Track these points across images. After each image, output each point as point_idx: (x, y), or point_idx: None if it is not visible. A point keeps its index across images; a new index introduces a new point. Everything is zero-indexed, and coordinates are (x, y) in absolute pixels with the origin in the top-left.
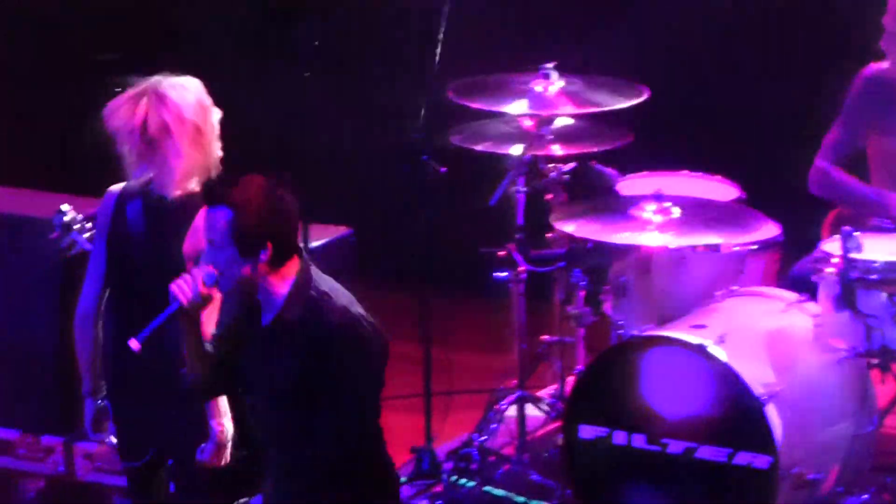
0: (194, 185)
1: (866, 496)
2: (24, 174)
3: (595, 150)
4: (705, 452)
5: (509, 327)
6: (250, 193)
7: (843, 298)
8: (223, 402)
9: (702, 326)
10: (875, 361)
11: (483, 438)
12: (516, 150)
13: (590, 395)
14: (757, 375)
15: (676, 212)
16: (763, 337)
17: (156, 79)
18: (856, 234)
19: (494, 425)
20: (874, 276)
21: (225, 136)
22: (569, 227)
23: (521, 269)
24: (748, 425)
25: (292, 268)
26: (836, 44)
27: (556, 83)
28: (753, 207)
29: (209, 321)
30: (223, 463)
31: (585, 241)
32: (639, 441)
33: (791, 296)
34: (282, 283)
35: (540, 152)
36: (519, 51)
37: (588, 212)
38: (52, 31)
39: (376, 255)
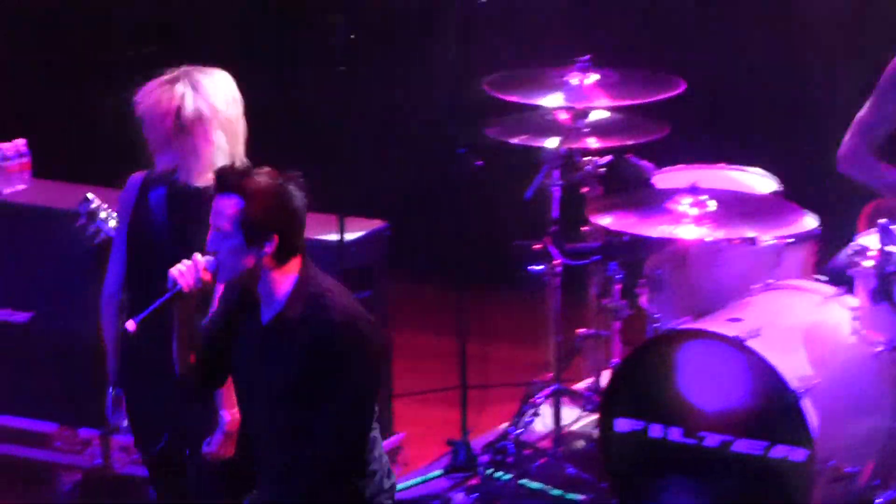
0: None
1: None
2: (61, 167)
3: (631, 142)
4: (741, 446)
5: (545, 321)
6: (262, 184)
7: (880, 291)
8: (232, 391)
9: (738, 320)
10: None
11: (519, 431)
12: (552, 143)
13: (626, 388)
14: (793, 369)
15: (713, 205)
16: (800, 330)
17: (186, 68)
18: (892, 227)
19: (530, 418)
20: None
21: (260, 129)
22: (605, 221)
23: (556, 262)
24: (784, 418)
25: (295, 265)
26: (877, 33)
27: (592, 76)
28: (790, 200)
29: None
30: (230, 454)
31: (621, 234)
32: (675, 434)
33: (828, 289)
34: (284, 280)
35: (575, 145)
36: (555, 44)
37: (624, 205)
38: (91, 26)
39: (412, 249)
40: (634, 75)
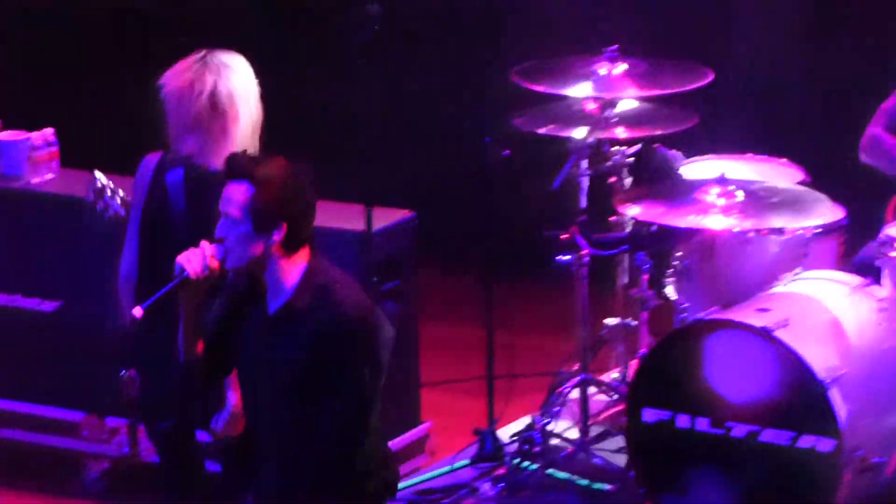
0: None
1: None
2: (89, 156)
3: (659, 132)
4: (769, 436)
5: (572, 310)
6: (272, 171)
7: None
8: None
9: (766, 310)
10: None
11: (546, 421)
12: (580, 133)
13: (653, 378)
14: (821, 359)
15: (740, 195)
16: (827, 321)
17: (210, 50)
18: None
19: (557, 408)
20: None
21: (287, 120)
22: (632, 211)
23: (584, 252)
24: (812, 409)
25: (304, 256)
26: None
27: (620, 66)
28: (818, 190)
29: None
30: (238, 433)
31: (649, 224)
32: (702, 425)
33: (855, 279)
34: (293, 270)
35: (603, 135)
36: (583, 33)
37: (652, 195)
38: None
39: (439, 239)
40: (663, 65)
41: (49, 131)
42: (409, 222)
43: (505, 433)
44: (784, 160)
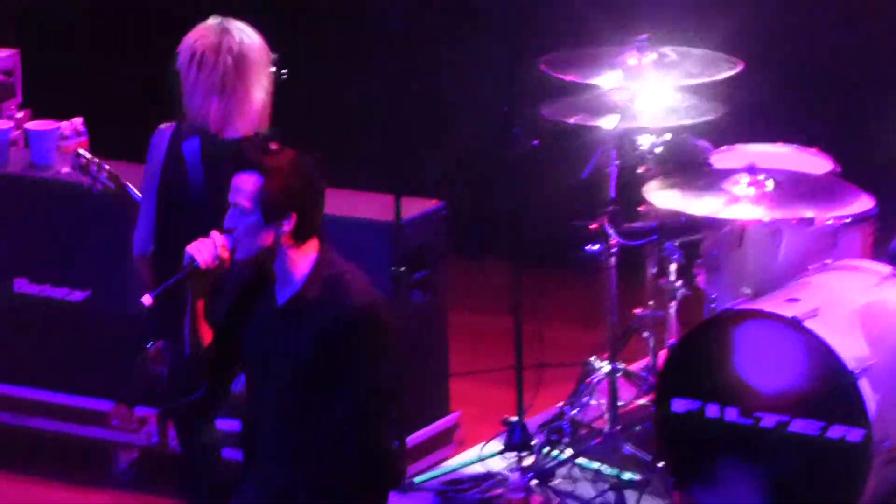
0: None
1: None
2: (118, 146)
3: (688, 122)
4: (798, 426)
5: (601, 301)
6: (281, 161)
7: None
8: None
9: (795, 300)
10: None
11: (575, 411)
12: (609, 122)
13: (683, 368)
14: (850, 349)
15: (770, 185)
16: (857, 310)
17: (225, 17)
18: None
19: (586, 398)
20: None
21: (316, 111)
22: (662, 201)
23: (613, 242)
24: (841, 399)
25: (314, 246)
26: None
27: (649, 55)
28: (848, 180)
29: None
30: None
31: (678, 214)
32: (732, 415)
33: (885, 269)
34: (303, 261)
35: (632, 125)
36: (612, 23)
37: (681, 185)
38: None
39: (468, 229)
40: (692, 55)
41: (78, 120)
42: (438, 212)
43: (534, 423)
44: (813, 149)
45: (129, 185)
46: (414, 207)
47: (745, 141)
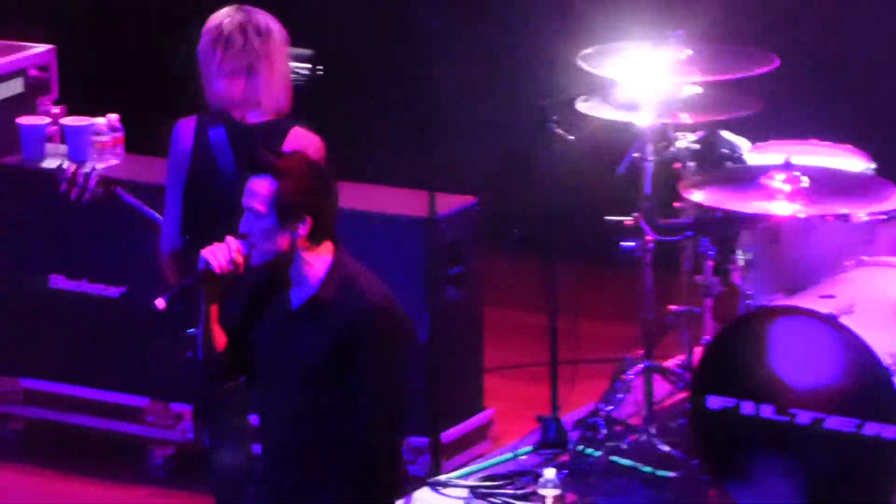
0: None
1: None
2: (155, 142)
3: (723, 118)
4: (833, 423)
5: (636, 297)
6: (295, 165)
7: None
8: None
9: (831, 296)
10: None
11: (609, 408)
12: (644, 118)
13: (718, 365)
14: (886, 345)
15: (805, 181)
16: (892, 307)
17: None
18: None
19: (621, 395)
20: None
21: (350, 106)
22: (697, 196)
23: (648, 238)
24: (877, 395)
25: (328, 249)
26: None
27: (685, 51)
28: (883, 177)
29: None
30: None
31: (714, 210)
32: (767, 411)
33: None
34: (317, 264)
35: (668, 121)
36: (648, 18)
37: (716, 181)
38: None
39: (502, 225)
40: (727, 50)
41: (114, 117)
42: (472, 208)
43: (568, 420)
44: (849, 146)
45: (122, 190)
46: (448, 203)
47: (780, 137)
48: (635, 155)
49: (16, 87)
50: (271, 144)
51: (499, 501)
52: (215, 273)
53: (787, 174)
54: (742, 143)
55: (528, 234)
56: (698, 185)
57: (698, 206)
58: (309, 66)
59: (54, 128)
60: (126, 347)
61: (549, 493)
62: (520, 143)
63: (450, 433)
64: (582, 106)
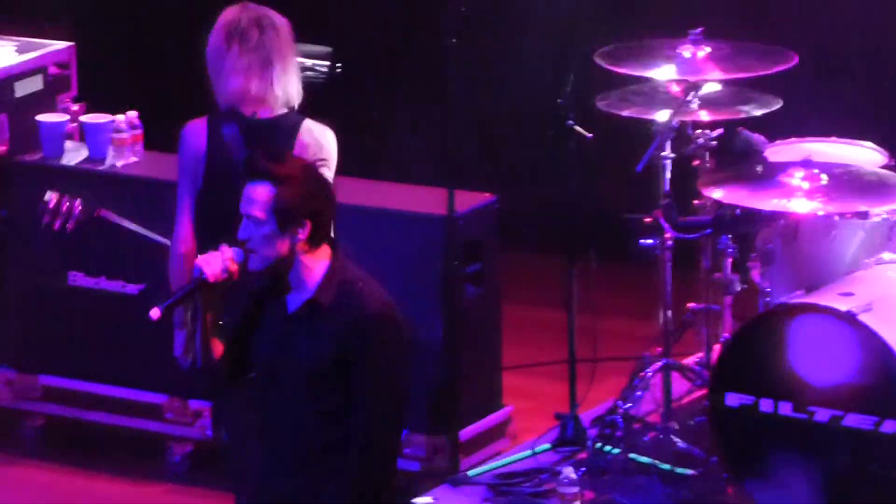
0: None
1: None
2: (173, 140)
3: (743, 115)
4: (852, 420)
5: (655, 294)
6: (293, 170)
7: None
8: None
9: (850, 294)
10: None
11: (628, 406)
12: (663, 115)
13: (736, 362)
14: None
15: (825, 178)
16: None
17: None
18: None
19: (639, 393)
20: None
21: (369, 102)
22: (716, 194)
23: (667, 235)
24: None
25: (326, 252)
26: None
27: (704, 48)
28: None
29: None
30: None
31: (733, 207)
32: (785, 409)
33: None
34: (315, 267)
35: (687, 118)
36: (667, 16)
37: (736, 178)
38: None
39: (521, 222)
40: (747, 48)
41: (133, 114)
42: (491, 206)
43: (587, 417)
44: (868, 143)
45: (107, 212)
46: (467, 201)
47: (800, 134)
48: (654, 152)
49: (36, 84)
50: (284, 139)
51: (517, 499)
52: (209, 281)
53: (807, 171)
54: (761, 141)
55: (546, 232)
56: (717, 183)
57: (717, 203)
58: (328, 63)
59: (74, 125)
60: (144, 344)
61: (568, 490)
62: (539, 140)
63: (468, 430)
64: (601, 103)
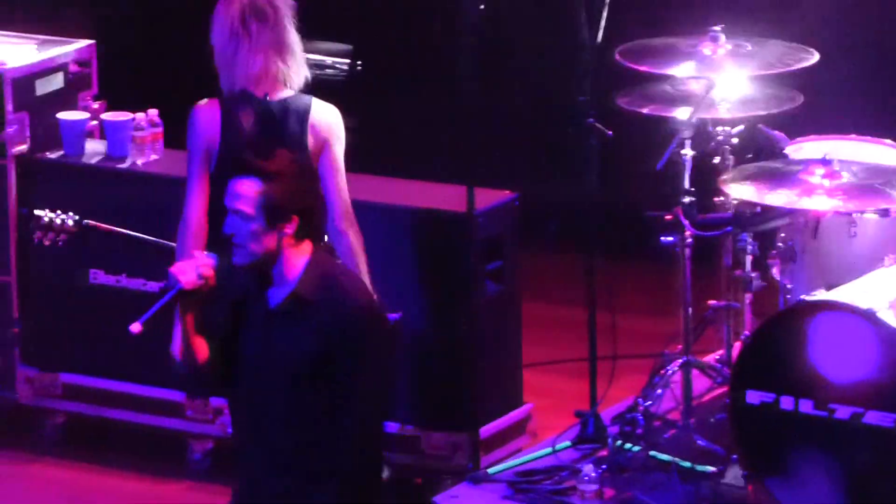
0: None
1: None
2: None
3: (763, 113)
4: (873, 418)
5: (675, 292)
6: (280, 165)
7: None
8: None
9: (870, 291)
10: None
11: (648, 403)
12: (683, 113)
13: (757, 360)
14: None
15: (845, 176)
16: None
17: None
18: None
19: (660, 390)
20: None
21: (389, 100)
22: (737, 191)
23: (688, 233)
24: None
25: (307, 247)
26: None
27: (724, 45)
28: None
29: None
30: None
31: (753, 205)
32: (806, 406)
33: None
34: (297, 261)
35: (707, 115)
36: (687, 13)
37: (756, 176)
38: None
39: (541, 220)
40: (766, 45)
41: (153, 112)
42: (511, 203)
43: (607, 415)
44: (888, 141)
45: (94, 223)
46: (487, 198)
47: (820, 132)
48: (674, 150)
49: (56, 82)
50: (297, 119)
51: (537, 496)
52: (185, 290)
53: (827, 169)
54: (782, 138)
55: (567, 229)
56: (738, 180)
57: (738, 200)
58: (348, 61)
59: (94, 123)
60: (164, 342)
61: (588, 487)
62: (559, 138)
63: (489, 428)
64: (621, 101)
